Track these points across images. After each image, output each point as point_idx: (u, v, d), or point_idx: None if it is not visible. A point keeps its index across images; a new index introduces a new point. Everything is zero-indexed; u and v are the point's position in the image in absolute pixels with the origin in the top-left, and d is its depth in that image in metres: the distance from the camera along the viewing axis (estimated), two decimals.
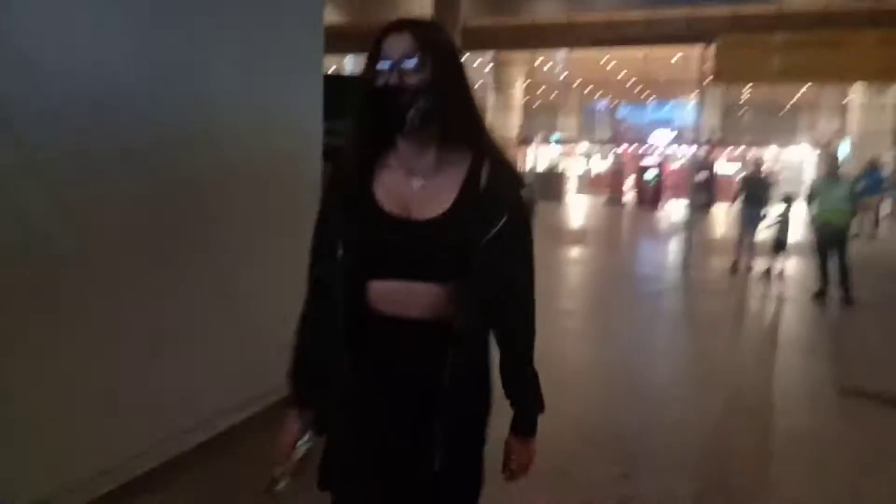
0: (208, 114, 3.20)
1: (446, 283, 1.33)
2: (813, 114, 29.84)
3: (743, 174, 11.34)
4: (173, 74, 3.01)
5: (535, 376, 1.49)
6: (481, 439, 1.48)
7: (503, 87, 30.79)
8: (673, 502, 3.12)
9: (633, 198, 25.53)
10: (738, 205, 10.05)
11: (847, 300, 7.63)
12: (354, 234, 1.34)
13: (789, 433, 4.05)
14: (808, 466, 3.61)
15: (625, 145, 29.31)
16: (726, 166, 26.46)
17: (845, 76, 10.35)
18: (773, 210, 9.56)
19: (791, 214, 9.36)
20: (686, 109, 26.96)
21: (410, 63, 1.28)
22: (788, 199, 9.46)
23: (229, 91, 3.34)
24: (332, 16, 30.02)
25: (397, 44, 1.29)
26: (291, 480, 1.45)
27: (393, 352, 1.37)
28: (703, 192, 19.78)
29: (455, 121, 1.34)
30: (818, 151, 24.15)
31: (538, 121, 32.36)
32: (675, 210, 19.33)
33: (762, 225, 9.59)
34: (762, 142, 27.91)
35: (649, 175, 24.77)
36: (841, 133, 27.50)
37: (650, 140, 29.38)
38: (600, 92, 33.09)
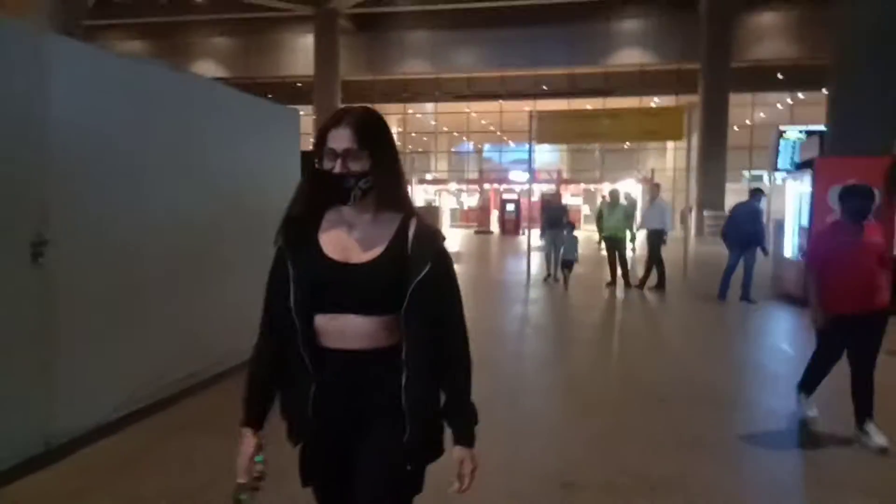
0: (235, 186, 5.46)
1: (379, 316, 1.60)
2: (642, 153, 35.79)
3: (544, 203, 13.23)
4: (217, 167, 5.26)
5: (469, 393, 1.69)
6: (437, 435, 1.71)
7: None
8: None
9: (498, 228, 30.05)
10: (541, 230, 12.30)
11: (628, 285, 11.60)
12: (303, 274, 1.61)
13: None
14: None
15: (487, 186, 33.87)
16: (572, 198, 31.60)
17: (622, 138, 14.61)
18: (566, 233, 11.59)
19: (574, 236, 11.42)
20: (538, 152, 31.85)
21: (352, 156, 1.57)
22: (571, 226, 11.72)
23: (254, 172, 6.04)
24: (219, 71, 32.54)
25: (341, 137, 1.56)
26: (252, 492, 1.65)
27: (344, 380, 1.62)
28: (558, 218, 24.49)
29: (387, 193, 1.62)
30: (641, 185, 29.70)
31: (414, 164, 36.37)
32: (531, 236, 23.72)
33: (560, 243, 11.66)
34: (600, 178, 33.33)
35: (510, 208, 29.39)
36: (655, 171, 33.54)
37: (510, 178, 34.24)
38: (465, 137, 37.82)
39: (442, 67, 32.26)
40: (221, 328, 5.17)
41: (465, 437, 1.66)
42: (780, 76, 28.90)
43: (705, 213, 24.30)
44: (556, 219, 11.98)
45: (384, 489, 1.63)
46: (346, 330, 1.59)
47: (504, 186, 33.70)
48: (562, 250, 11.49)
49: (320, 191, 1.63)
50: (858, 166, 9.02)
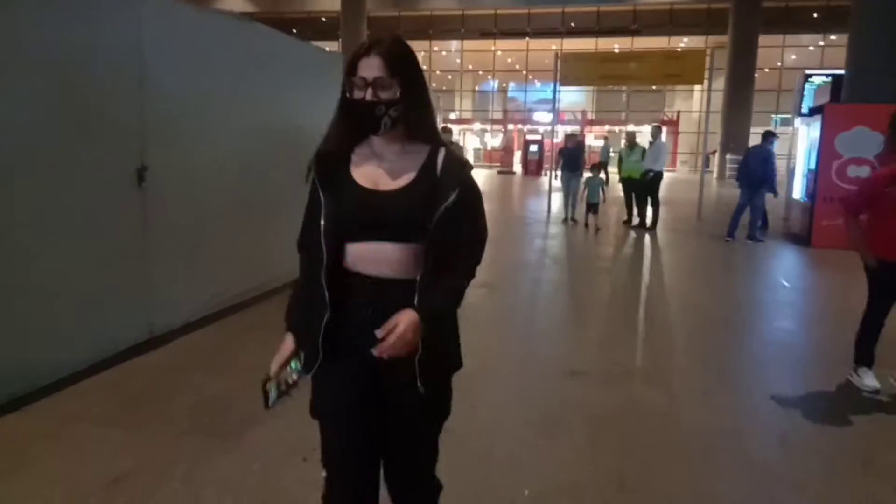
0: (286, 126, 6.40)
1: (408, 243, 1.61)
2: (669, 95, 35.63)
3: (560, 147, 13.09)
4: (266, 116, 6.26)
5: (460, 284, 1.66)
6: (452, 367, 1.76)
7: None
8: None
9: (521, 168, 30.53)
10: (559, 171, 12.56)
11: (642, 224, 12.24)
12: (334, 203, 1.63)
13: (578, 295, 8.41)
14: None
15: (511, 126, 34.15)
16: (595, 140, 31.83)
17: (645, 80, 14.92)
18: (586, 175, 11.74)
19: (601, 177, 11.44)
20: (564, 93, 31.91)
21: (382, 84, 1.56)
22: (596, 167, 11.70)
23: (302, 112, 6.83)
24: (246, 6, 32.74)
25: (371, 66, 1.57)
26: (278, 394, 1.71)
27: (370, 306, 1.61)
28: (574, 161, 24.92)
29: (416, 123, 1.63)
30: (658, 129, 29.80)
31: (439, 102, 36.62)
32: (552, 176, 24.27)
33: (579, 187, 11.86)
34: (626, 120, 33.40)
35: (533, 149, 29.79)
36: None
37: (535, 118, 34.46)
38: (490, 76, 37.77)
39: (468, 4, 32.12)
40: (276, 250, 6.03)
41: (426, 309, 1.58)
42: (815, 15, 28.40)
43: (728, 156, 24.48)
44: (572, 161, 12.27)
45: (414, 425, 1.72)
46: (377, 255, 1.62)
47: (528, 127, 33.97)
48: (585, 192, 11.49)
49: (350, 121, 1.64)
50: (866, 113, 9.53)
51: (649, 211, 11.73)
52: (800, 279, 8.15)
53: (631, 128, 23.92)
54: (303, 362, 1.72)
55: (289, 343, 1.77)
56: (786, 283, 5.61)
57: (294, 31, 31.16)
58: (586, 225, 11.52)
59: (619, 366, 4.47)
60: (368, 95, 1.57)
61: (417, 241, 1.60)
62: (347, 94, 1.61)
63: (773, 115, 30.24)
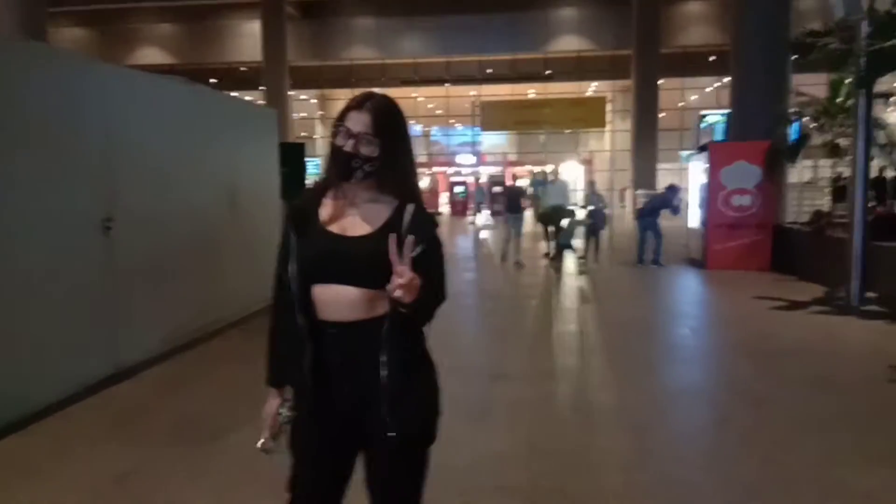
0: (229, 173, 7.03)
1: (368, 289, 1.64)
2: (583, 136, 37.84)
3: (502, 187, 14.34)
4: (213, 170, 6.88)
5: (429, 298, 1.64)
6: (429, 429, 1.75)
7: (329, 119, 35.66)
8: None
9: (448, 209, 31.76)
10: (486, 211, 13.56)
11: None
12: (302, 244, 1.70)
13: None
14: None
15: (437, 169, 35.46)
16: (518, 180, 33.49)
17: (556, 125, 16.17)
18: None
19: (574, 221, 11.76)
20: (485, 135, 33.53)
21: (365, 140, 1.65)
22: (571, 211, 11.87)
23: (242, 168, 7.62)
24: (165, 58, 33.00)
25: (359, 120, 1.66)
26: (275, 442, 1.81)
27: (336, 351, 1.68)
28: (499, 201, 26.34)
29: (387, 180, 1.69)
30: (583, 165, 31.82)
31: None
32: (478, 216, 25.52)
33: (521, 226, 12.33)
34: (546, 160, 35.21)
35: (458, 190, 31.18)
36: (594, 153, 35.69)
37: (458, 161, 35.95)
38: (413, 121, 39.19)
39: (388, 53, 33.46)
40: (228, 288, 6.69)
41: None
42: (712, 59, 31.14)
43: (638, 192, 26.34)
44: (514, 202, 12.55)
45: (390, 474, 1.75)
46: (337, 299, 1.66)
47: (452, 169, 35.39)
48: (518, 232, 12.14)
49: (330, 165, 1.73)
50: (745, 149, 11.01)
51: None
52: (693, 295, 9.34)
53: (551, 168, 25.67)
54: (292, 400, 1.80)
55: (272, 399, 1.83)
56: (688, 330, 6.69)
57: (214, 81, 31.60)
58: (556, 269, 11.13)
59: (534, 369, 5.35)
60: (349, 146, 1.67)
61: (377, 286, 1.60)
62: (331, 139, 1.73)
63: (680, 153, 32.69)
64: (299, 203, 1.79)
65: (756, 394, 4.70)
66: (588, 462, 3.58)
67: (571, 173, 35.75)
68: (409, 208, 1.71)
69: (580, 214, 12.78)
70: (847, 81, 9.25)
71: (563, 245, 11.39)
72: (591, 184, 13.00)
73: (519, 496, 3.18)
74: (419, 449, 1.76)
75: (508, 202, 12.80)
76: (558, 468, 3.50)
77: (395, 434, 1.67)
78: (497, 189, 26.41)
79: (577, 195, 12.89)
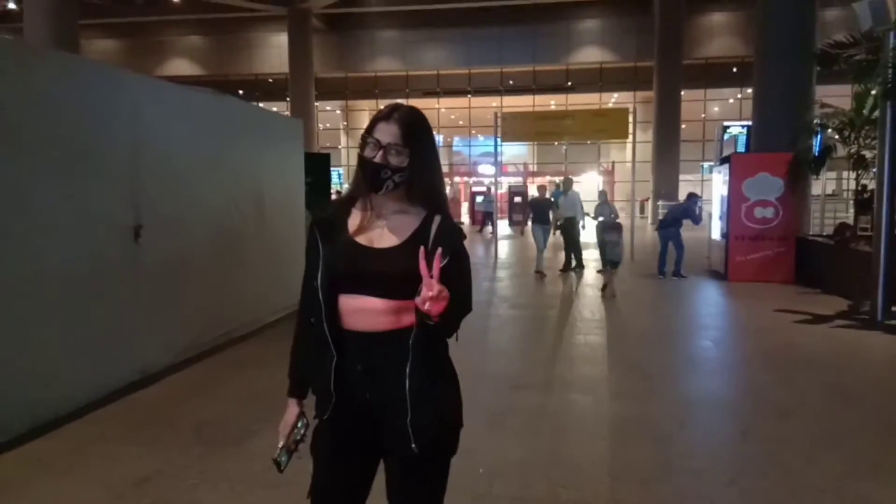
0: (255, 183, 7.25)
1: (394, 300, 1.64)
2: (604, 146, 37.70)
3: (531, 198, 13.64)
4: (242, 177, 7.05)
5: (454, 315, 1.62)
6: (449, 441, 1.75)
7: (353, 129, 35.95)
8: None
9: (468, 220, 31.77)
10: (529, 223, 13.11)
11: (578, 267, 13.28)
12: (328, 256, 1.70)
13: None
14: None
15: (458, 179, 35.51)
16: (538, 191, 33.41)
17: (577, 136, 16.20)
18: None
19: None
20: (507, 146, 33.52)
21: (394, 150, 1.65)
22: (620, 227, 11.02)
23: (267, 178, 7.66)
24: (193, 69, 33.53)
25: (388, 131, 1.66)
26: (289, 456, 1.81)
27: (359, 362, 1.68)
28: (520, 212, 26.25)
29: (417, 190, 1.70)
30: (602, 176, 31.72)
31: None
32: (500, 227, 25.51)
33: (548, 237, 11.99)
34: (566, 171, 35.15)
35: (480, 200, 31.16)
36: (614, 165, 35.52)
37: (479, 171, 35.96)
38: (435, 131, 39.35)
39: (412, 65, 33.70)
40: (250, 295, 6.75)
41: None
42: (734, 70, 30.89)
43: (660, 202, 26.12)
44: (544, 214, 12.28)
45: (408, 485, 1.73)
46: (363, 309, 1.67)
47: (473, 179, 35.40)
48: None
49: (358, 177, 1.74)
50: (767, 161, 10.88)
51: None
52: (715, 306, 9.23)
53: (573, 178, 25.62)
54: (315, 407, 1.77)
55: (293, 410, 1.84)
56: (710, 342, 6.62)
57: (241, 91, 32.04)
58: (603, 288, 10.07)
59: (556, 377, 5.32)
60: (378, 157, 1.67)
61: (403, 297, 1.61)
62: (360, 151, 1.72)
63: (701, 164, 32.40)
64: (327, 214, 1.80)
65: (778, 406, 4.63)
66: (607, 473, 3.54)
67: (591, 183, 35.85)
68: (437, 219, 1.72)
69: (591, 224, 12.49)
70: (873, 93, 9.10)
71: (612, 262, 10.39)
72: (602, 194, 12.90)
73: None
74: (440, 459, 1.75)
75: (536, 213, 12.54)
76: (577, 479, 3.46)
77: (416, 445, 1.66)
78: (518, 199, 26.39)
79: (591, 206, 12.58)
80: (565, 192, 12.69)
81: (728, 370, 5.86)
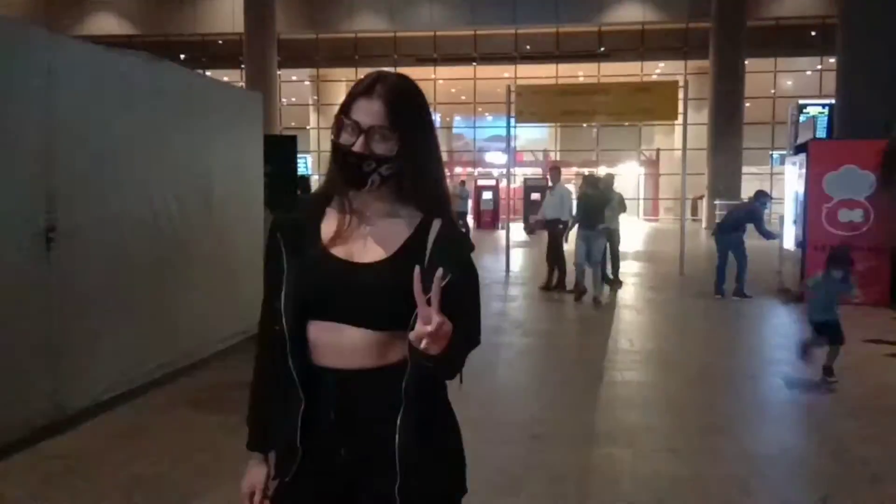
0: (202, 175, 7.23)
1: (380, 331, 1.59)
2: (647, 130, 37.79)
3: (581, 192, 12.30)
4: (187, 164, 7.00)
5: (459, 348, 1.55)
6: (452, 490, 1.73)
7: (326, 106, 35.96)
8: None
9: (472, 220, 31.81)
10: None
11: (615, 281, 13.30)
12: (299, 271, 1.64)
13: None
14: None
15: (459, 171, 35.56)
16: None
17: (613, 117, 16.32)
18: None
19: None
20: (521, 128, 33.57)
21: (379, 136, 1.58)
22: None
23: (216, 167, 7.68)
24: (123, 28, 33.65)
25: (369, 110, 1.58)
26: None
27: (332, 408, 1.63)
28: (535, 211, 26.35)
29: (410, 187, 1.63)
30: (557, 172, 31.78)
31: None
32: (512, 229, 25.51)
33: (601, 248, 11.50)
34: (597, 160, 35.23)
35: (487, 197, 31.20)
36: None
37: (486, 159, 36.05)
38: (431, 108, 39.41)
39: (401, 24, 33.75)
40: (197, 317, 6.76)
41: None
42: (813, 34, 30.97)
43: (717, 202, 26.12)
44: (592, 216, 11.49)
45: None
46: (340, 341, 1.62)
47: (479, 170, 35.48)
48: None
49: (334, 170, 1.68)
50: (854, 150, 10.92)
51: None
52: (787, 336, 9.23)
53: (605, 170, 25.56)
54: (275, 466, 1.78)
55: (258, 469, 1.81)
56: (781, 380, 6.60)
57: (183, 56, 32.11)
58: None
59: (586, 428, 5.34)
60: (359, 146, 1.60)
61: (393, 327, 1.59)
62: (334, 136, 1.65)
63: (770, 153, 32.49)
64: (295, 215, 1.76)
65: (870, 466, 4.63)
66: None
67: (630, 176, 35.90)
68: (436, 224, 1.67)
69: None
70: None
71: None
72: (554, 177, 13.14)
73: None
74: None
75: (585, 214, 11.70)
76: None
77: (401, 488, 1.62)
78: (535, 196, 26.40)
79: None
80: (552, 187, 13.01)
81: (804, 419, 5.88)
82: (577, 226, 11.72)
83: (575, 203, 12.11)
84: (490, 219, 30.60)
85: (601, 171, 26.35)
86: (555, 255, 12.33)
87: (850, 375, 6.93)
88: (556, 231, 12.24)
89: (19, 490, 4.16)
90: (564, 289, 12.10)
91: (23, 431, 4.85)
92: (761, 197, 11.93)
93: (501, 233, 22.63)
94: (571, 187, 18.28)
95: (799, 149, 12.08)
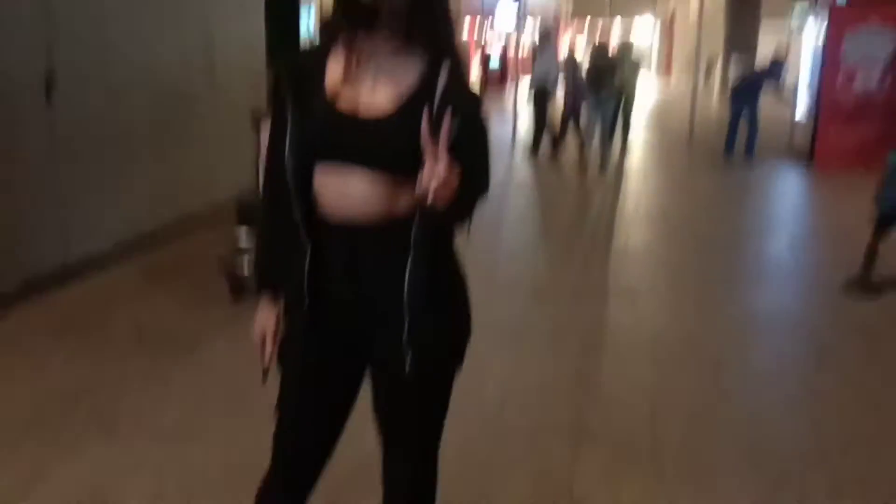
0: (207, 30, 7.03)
1: (387, 175, 1.54)
2: None
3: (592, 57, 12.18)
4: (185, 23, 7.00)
5: (468, 194, 1.50)
6: (454, 355, 1.74)
7: None
8: None
9: (479, 81, 31.18)
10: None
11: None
12: (303, 119, 1.58)
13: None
14: None
15: (468, 21, 34.45)
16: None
17: None
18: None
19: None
20: None
21: None
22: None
23: (217, 16, 7.32)
24: None
25: None
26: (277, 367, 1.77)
27: (344, 254, 1.62)
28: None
29: (423, 17, 1.52)
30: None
31: None
32: (520, 90, 24.89)
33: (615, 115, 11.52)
34: (610, 13, 34.09)
35: (493, 62, 30.58)
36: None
37: (496, 13, 34.85)
38: None
39: None
40: (200, 173, 6.77)
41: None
42: None
43: (733, 58, 25.00)
44: (600, 78, 11.17)
45: (401, 408, 1.75)
46: (346, 190, 1.57)
47: (487, 31, 34.34)
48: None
49: (336, 9, 1.59)
50: (878, 10, 10.46)
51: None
52: (793, 199, 9.28)
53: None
54: (283, 313, 1.77)
55: (266, 310, 1.79)
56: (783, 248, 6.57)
57: None
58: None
59: (589, 286, 5.47)
60: None
61: (400, 174, 1.53)
62: None
63: (795, 4, 30.95)
64: (297, 61, 1.70)
65: (862, 328, 4.72)
66: (645, 403, 3.65)
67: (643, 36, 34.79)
68: (445, 65, 1.56)
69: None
70: None
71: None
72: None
73: (560, 436, 3.27)
74: (442, 377, 1.75)
75: (593, 78, 11.33)
76: (607, 407, 3.58)
77: (413, 361, 1.63)
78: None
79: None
80: (544, 45, 12.59)
81: (805, 281, 5.97)
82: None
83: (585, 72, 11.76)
84: (498, 80, 29.96)
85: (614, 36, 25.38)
86: (539, 124, 11.85)
87: (854, 242, 6.93)
88: (542, 98, 11.71)
89: (29, 336, 4.27)
90: (556, 154, 11.74)
91: (30, 279, 4.89)
92: (777, 64, 11.72)
93: (510, 93, 22.19)
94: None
95: None
